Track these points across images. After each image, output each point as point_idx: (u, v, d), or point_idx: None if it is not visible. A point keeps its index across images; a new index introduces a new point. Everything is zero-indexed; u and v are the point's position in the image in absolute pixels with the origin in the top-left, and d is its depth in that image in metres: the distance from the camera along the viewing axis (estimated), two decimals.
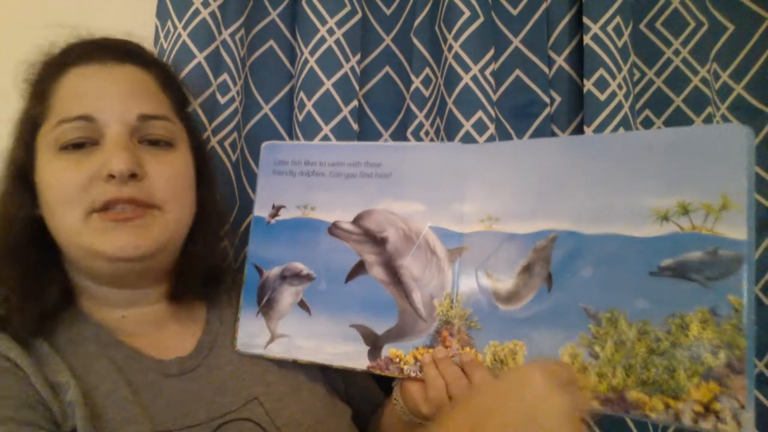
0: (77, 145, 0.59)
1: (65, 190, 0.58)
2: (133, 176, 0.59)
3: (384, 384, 0.82)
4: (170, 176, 0.63)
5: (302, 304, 0.70)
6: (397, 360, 0.66)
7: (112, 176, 0.58)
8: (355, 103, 0.93)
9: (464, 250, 0.65)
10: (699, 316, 0.53)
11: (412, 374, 0.65)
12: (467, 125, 0.91)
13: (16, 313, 0.57)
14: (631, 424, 0.88)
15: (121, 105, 0.61)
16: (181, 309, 0.70)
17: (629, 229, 0.57)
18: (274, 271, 0.72)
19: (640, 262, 0.56)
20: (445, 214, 0.66)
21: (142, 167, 0.60)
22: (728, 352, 0.51)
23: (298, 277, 0.71)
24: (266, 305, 0.72)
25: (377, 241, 0.68)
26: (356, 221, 0.69)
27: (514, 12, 0.98)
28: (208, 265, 0.70)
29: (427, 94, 0.96)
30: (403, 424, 0.69)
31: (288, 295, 0.71)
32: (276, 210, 0.73)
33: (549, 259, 0.61)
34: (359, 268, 0.69)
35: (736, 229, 0.52)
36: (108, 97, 0.61)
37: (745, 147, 0.53)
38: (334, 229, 0.70)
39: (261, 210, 0.75)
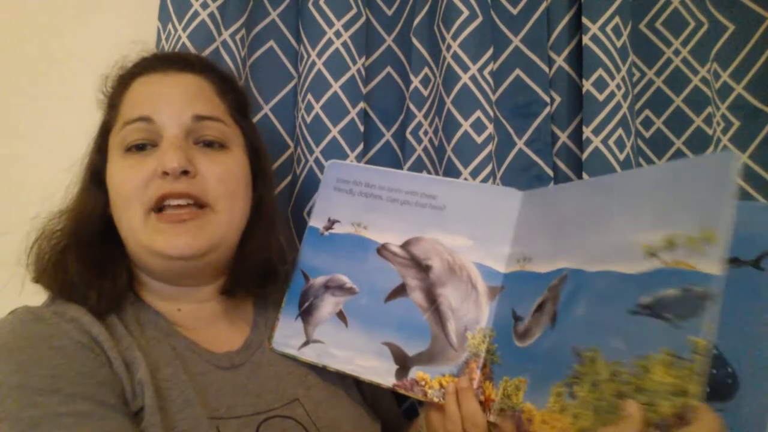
0: (140, 147, 0.65)
1: (127, 188, 0.64)
2: (185, 173, 0.63)
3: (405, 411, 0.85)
4: (222, 175, 0.66)
5: (341, 315, 0.73)
6: (423, 383, 0.67)
7: (166, 173, 0.62)
8: (362, 104, 0.94)
9: (502, 289, 0.67)
10: (662, 358, 0.48)
11: (435, 399, 0.66)
12: (465, 125, 0.91)
13: (94, 289, 0.62)
14: None
15: (178, 107, 0.66)
16: (231, 307, 0.73)
17: (622, 266, 0.54)
18: (319, 280, 0.75)
19: (624, 300, 0.52)
20: (489, 253, 0.69)
21: (194, 165, 0.64)
22: (682, 399, 0.45)
23: (341, 288, 0.74)
24: (306, 310, 0.75)
25: (422, 268, 0.71)
26: (405, 246, 0.72)
27: (514, 11, 0.98)
28: (261, 263, 0.73)
29: (426, 93, 0.97)
30: None
31: (329, 305, 0.74)
32: (331, 223, 0.77)
33: (558, 297, 0.60)
34: (401, 290, 0.71)
35: (711, 263, 0.47)
36: (166, 100, 0.66)
37: (726, 174, 0.48)
38: (383, 250, 0.73)
39: (316, 221, 0.78)
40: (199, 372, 0.62)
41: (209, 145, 0.67)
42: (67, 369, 0.53)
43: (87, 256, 0.64)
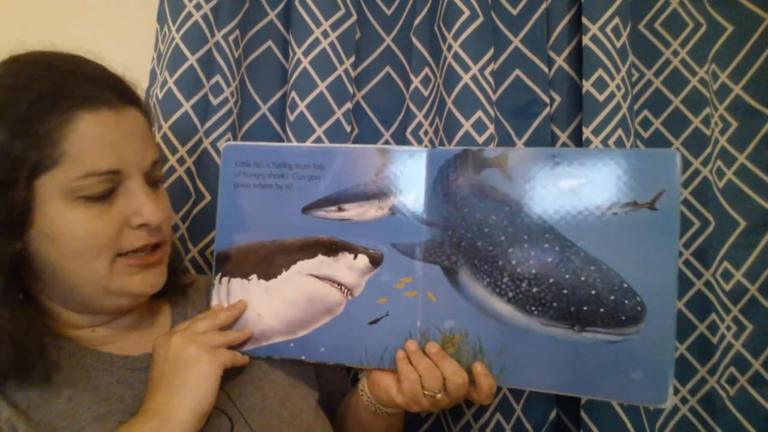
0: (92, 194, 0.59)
1: (94, 241, 0.59)
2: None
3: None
4: (170, 214, 0.68)
5: None
6: None
7: (142, 225, 0.62)
8: (348, 105, 0.93)
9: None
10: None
11: (385, 366, 0.69)
12: (467, 125, 0.90)
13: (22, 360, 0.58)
14: (625, 420, 0.88)
15: (139, 154, 0.62)
16: (145, 314, 0.72)
17: None
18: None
19: None
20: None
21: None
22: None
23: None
24: None
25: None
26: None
27: (514, 12, 0.97)
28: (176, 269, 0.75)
29: (426, 93, 0.96)
30: (369, 413, 0.74)
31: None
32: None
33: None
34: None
35: None
36: (129, 147, 0.61)
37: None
38: None
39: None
40: (111, 382, 0.62)
41: (155, 183, 0.66)
42: None
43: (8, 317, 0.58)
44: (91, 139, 0.58)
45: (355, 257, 0.68)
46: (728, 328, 0.94)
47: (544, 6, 0.96)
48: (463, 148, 0.68)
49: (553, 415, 0.94)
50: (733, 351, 0.94)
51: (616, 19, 0.89)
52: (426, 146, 0.96)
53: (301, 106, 0.90)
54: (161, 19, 0.90)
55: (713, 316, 0.94)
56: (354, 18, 0.94)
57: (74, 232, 0.59)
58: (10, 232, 0.58)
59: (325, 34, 0.91)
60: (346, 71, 0.93)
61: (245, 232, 0.72)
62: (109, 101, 0.60)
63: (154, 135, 0.70)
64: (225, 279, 0.72)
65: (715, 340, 0.94)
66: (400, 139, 0.98)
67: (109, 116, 0.60)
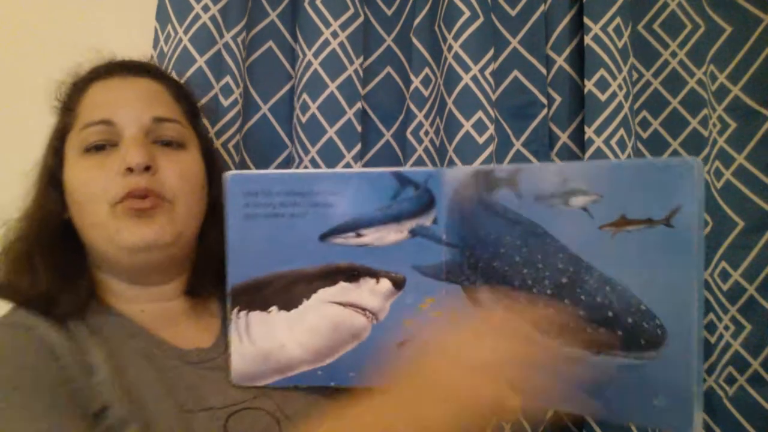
0: (99, 148, 0.67)
1: (90, 189, 0.65)
2: (147, 169, 0.65)
3: None
4: (181, 172, 0.69)
5: None
6: None
7: (129, 170, 0.64)
8: (359, 105, 0.94)
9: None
10: None
11: None
12: (467, 125, 0.92)
13: (65, 293, 0.64)
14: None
15: (138, 110, 0.68)
16: (197, 306, 0.75)
17: None
18: None
19: None
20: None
21: (155, 161, 0.66)
22: None
23: None
24: None
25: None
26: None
27: (512, 12, 0.98)
28: (221, 261, 0.73)
29: (426, 94, 0.97)
30: None
31: None
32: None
33: None
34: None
35: None
36: (126, 103, 0.68)
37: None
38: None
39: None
40: (167, 368, 0.64)
41: (168, 144, 0.69)
42: (19, 379, 0.55)
43: (54, 261, 0.66)
44: (95, 100, 0.69)
45: (378, 281, 0.68)
46: (726, 327, 0.94)
47: (542, 8, 0.97)
48: (475, 169, 0.67)
49: (551, 414, 0.94)
50: (731, 350, 0.94)
51: (618, 19, 0.90)
52: (426, 146, 0.97)
53: (313, 108, 0.92)
54: (162, 18, 0.90)
55: (711, 315, 0.95)
56: (362, 18, 0.95)
57: (77, 180, 0.67)
58: (55, 192, 0.69)
59: (335, 34, 0.92)
60: (356, 71, 0.94)
61: (259, 264, 0.68)
62: (120, 74, 0.71)
63: (181, 104, 0.74)
64: (243, 313, 0.69)
65: (713, 340, 0.94)
66: (401, 139, 0.99)
67: (116, 83, 0.71)
